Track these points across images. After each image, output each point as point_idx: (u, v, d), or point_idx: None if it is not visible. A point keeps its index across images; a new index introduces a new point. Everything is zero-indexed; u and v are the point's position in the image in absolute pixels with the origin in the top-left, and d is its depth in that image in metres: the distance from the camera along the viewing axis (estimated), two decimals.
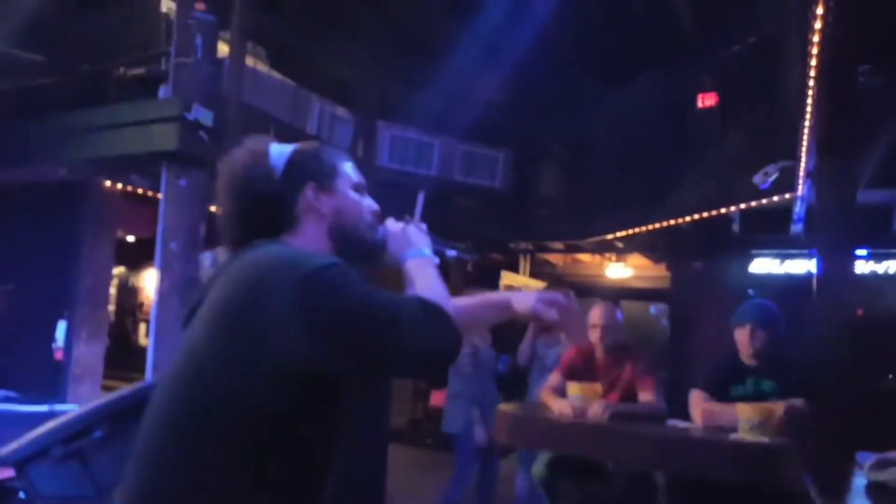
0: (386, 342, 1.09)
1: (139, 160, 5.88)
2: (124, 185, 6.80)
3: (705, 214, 6.49)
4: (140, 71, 6.40)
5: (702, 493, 2.96)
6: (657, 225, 6.93)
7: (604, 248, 9.01)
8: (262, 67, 6.51)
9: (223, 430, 1.10)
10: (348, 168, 1.36)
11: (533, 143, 8.38)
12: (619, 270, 9.87)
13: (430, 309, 1.13)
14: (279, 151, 1.31)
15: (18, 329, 6.88)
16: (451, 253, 1.47)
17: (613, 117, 7.49)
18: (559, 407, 3.29)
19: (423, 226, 1.40)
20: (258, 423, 1.11)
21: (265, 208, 1.27)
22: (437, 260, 1.34)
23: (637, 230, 7.24)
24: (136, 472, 1.15)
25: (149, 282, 11.55)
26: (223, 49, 5.70)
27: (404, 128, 7.75)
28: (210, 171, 5.46)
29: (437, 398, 6.99)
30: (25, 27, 7.19)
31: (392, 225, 1.37)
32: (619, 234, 7.61)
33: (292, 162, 1.30)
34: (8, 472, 2.80)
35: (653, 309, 10.24)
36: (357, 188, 1.36)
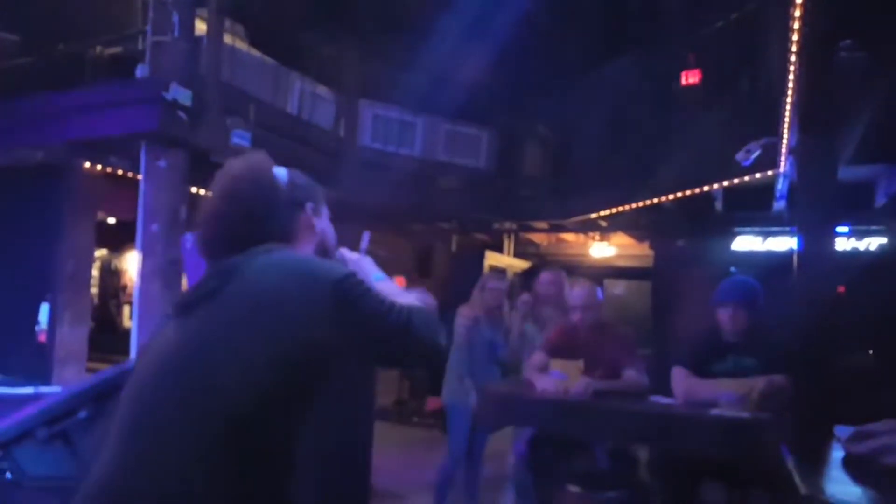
0: (401, 338, 1.30)
1: (118, 141, 5.80)
2: (104, 167, 6.70)
3: (688, 192, 6.50)
4: (117, 50, 6.29)
5: (684, 467, 3.00)
6: (640, 203, 6.94)
7: (588, 228, 9.03)
8: (242, 45, 6.41)
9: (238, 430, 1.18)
10: (323, 198, 1.57)
11: (517, 123, 8.34)
12: (603, 249, 9.91)
13: (428, 313, 1.35)
14: (282, 175, 1.48)
15: (1, 313, 6.81)
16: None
17: (597, 95, 7.47)
18: (542, 384, 3.31)
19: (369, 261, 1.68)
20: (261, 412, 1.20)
21: (268, 217, 1.41)
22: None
23: (621, 209, 7.26)
24: (148, 471, 1.16)
25: (131, 264, 11.46)
26: (201, 27, 5.61)
27: (387, 107, 7.69)
28: (189, 152, 5.40)
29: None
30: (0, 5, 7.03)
31: (348, 254, 1.65)
32: (602, 213, 7.62)
33: (293, 181, 1.48)
34: None
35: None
36: (328, 216, 1.58)
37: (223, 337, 1.23)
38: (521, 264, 9.52)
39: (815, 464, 2.06)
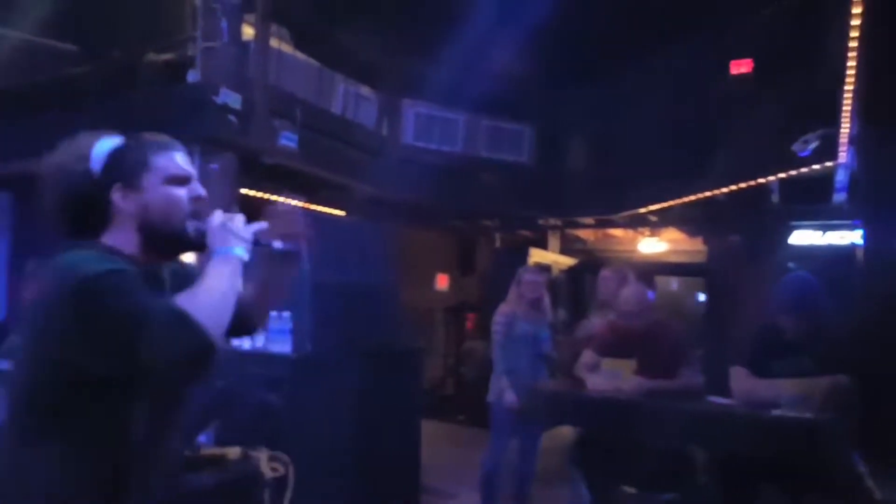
0: (135, 350, 1.17)
1: None
2: None
3: (742, 185, 6.32)
4: (169, 56, 6.45)
5: (742, 470, 2.91)
6: (692, 197, 6.78)
7: (637, 223, 8.86)
8: (287, 49, 6.51)
9: (32, 419, 1.30)
10: (165, 160, 1.39)
11: (560, 116, 8.24)
12: (653, 245, 9.72)
13: (177, 319, 1.19)
14: (100, 150, 1.38)
15: None
16: (278, 245, 1.46)
17: (644, 86, 7.32)
18: (594, 383, 3.26)
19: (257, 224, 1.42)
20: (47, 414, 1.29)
21: (82, 208, 1.36)
22: (245, 257, 1.35)
23: (671, 203, 7.10)
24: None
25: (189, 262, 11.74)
26: (248, 32, 5.71)
27: (428, 105, 7.70)
28: (239, 154, 5.51)
29: None
30: (58, 17, 7.30)
31: (214, 217, 1.38)
32: (652, 208, 7.47)
33: (106, 162, 1.37)
34: None
35: None
36: (173, 180, 1.39)
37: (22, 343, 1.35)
38: (567, 261, 9.40)
39: (885, 468, 1.97)
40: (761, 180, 6.34)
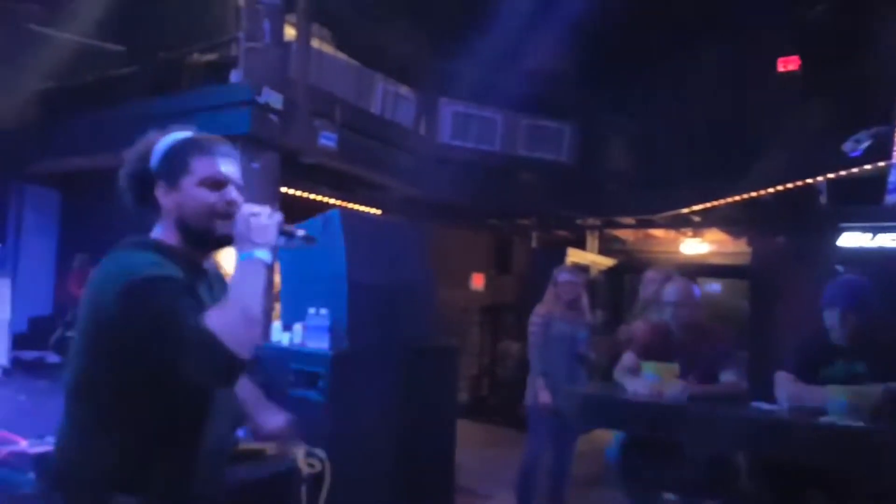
0: (167, 360, 1.30)
1: None
2: None
3: (789, 185, 6.16)
4: (212, 56, 6.56)
5: (787, 478, 2.83)
6: (737, 197, 6.63)
7: (679, 223, 8.71)
8: (328, 49, 6.56)
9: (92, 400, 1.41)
10: (203, 164, 1.48)
11: (600, 115, 8.14)
12: (695, 246, 9.53)
13: (205, 339, 1.26)
14: (158, 148, 1.50)
15: None
16: (300, 233, 1.55)
17: (687, 84, 7.18)
18: (634, 387, 3.20)
19: (278, 216, 1.48)
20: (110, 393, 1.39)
21: (140, 200, 1.51)
22: (268, 260, 1.42)
23: (715, 203, 6.95)
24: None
25: (226, 261, 11.93)
26: (290, 32, 5.76)
27: (466, 103, 7.68)
28: (280, 153, 5.57)
29: None
30: (106, 19, 7.49)
31: (242, 210, 1.46)
32: (695, 208, 7.32)
33: (159, 160, 1.49)
34: None
35: None
36: (207, 183, 1.47)
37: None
38: (606, 261, 9.29)
39: None
40: (809, 181, 6.17)
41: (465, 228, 9.20)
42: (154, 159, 1.49)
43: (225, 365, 1.28)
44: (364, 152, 6.51)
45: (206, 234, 1.49)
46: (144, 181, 1.49)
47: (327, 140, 5.89)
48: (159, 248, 1.45)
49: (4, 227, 8.12)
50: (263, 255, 1.41)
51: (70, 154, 7.01)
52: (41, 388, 6.23)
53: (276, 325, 3.77)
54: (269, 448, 2.33)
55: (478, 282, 9.10)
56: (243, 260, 1.41)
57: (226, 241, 1.49)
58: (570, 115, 8.10)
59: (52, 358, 7.22)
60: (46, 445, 3.64)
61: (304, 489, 2.44)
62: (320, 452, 2.47)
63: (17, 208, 8.30)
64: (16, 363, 6.85)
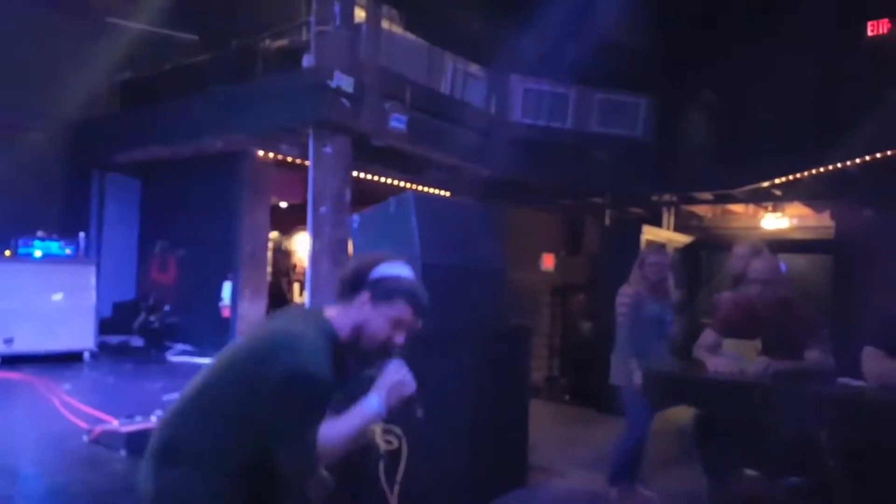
0: (285, 462, 1.59)
1: (287, 129, 6.18)
2: (275, 154, 7.20)
3: (878, 156, 5.82)
4: (284, 42, 6.69)
5: (874, 459, 2.72)
6: (821, 169, 6.31)
7: (759, 198, 8.36)
8: (397, 30, 6.58)
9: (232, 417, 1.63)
10: (407, 310, 1.76)
11: (678, 88, 7.87)
12: (775, 221, 9.15)
13: (308, 451, 1.59)
14: (383, 272, 1.77)
15: (190, 290, 7.58)
16: (419, 412, 1.79)
17: (768, 53, 6.86)
18: (715, 364, 3.13)
19: (412, 388, 1.77)
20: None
21: (348, 291, 1.78)
22: (381, 414, 1.74)
23: (797, 176, 6.64)
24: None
25: (300, 245, 12.23)
26: (360, 14, 5.80)
27: (538, 80, 7.57)
28: (352, 137, 5.64)
29: None
30: (179, 9, 7.75)
31: (393, 366, 1.77)
32: (777, 181, 7.02)
33: (379, 278, 1.77)
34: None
35: None
36: (395, 323, 1.76)
37: (229, 361, 1.70)
38: (682, 238, 9.03)
39: None
40: None
41: (535, 208, 9.12)
42: (374, 274, 1.77)
43: (307, 472, 1.64)
44: (434, 133, 6.51)
45: (362, 352, 1.77)
46: (356, 282, 1.77)
47: (398, 122, 5.93)
48: (333, 338, 1.72)
49: (88, 217, 8.48)
50: (380, 408, 1.73)
51: (149, 143, 7.28)
52: (127, 370, 6.65)
53: None
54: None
55: (548, 262, 9.03)
56: (365, 403, 1.73)
57: (369, 367, 1.80)
58: (646, 89, 7.86)
59: (137, 341, 7.62)
60: (136, 424, 3.88)
61: (381, 465, 2.52)
62: (397, 429, 2.53)
63: (99, 198, 8.68)
64: (102, 347, 7.29)
